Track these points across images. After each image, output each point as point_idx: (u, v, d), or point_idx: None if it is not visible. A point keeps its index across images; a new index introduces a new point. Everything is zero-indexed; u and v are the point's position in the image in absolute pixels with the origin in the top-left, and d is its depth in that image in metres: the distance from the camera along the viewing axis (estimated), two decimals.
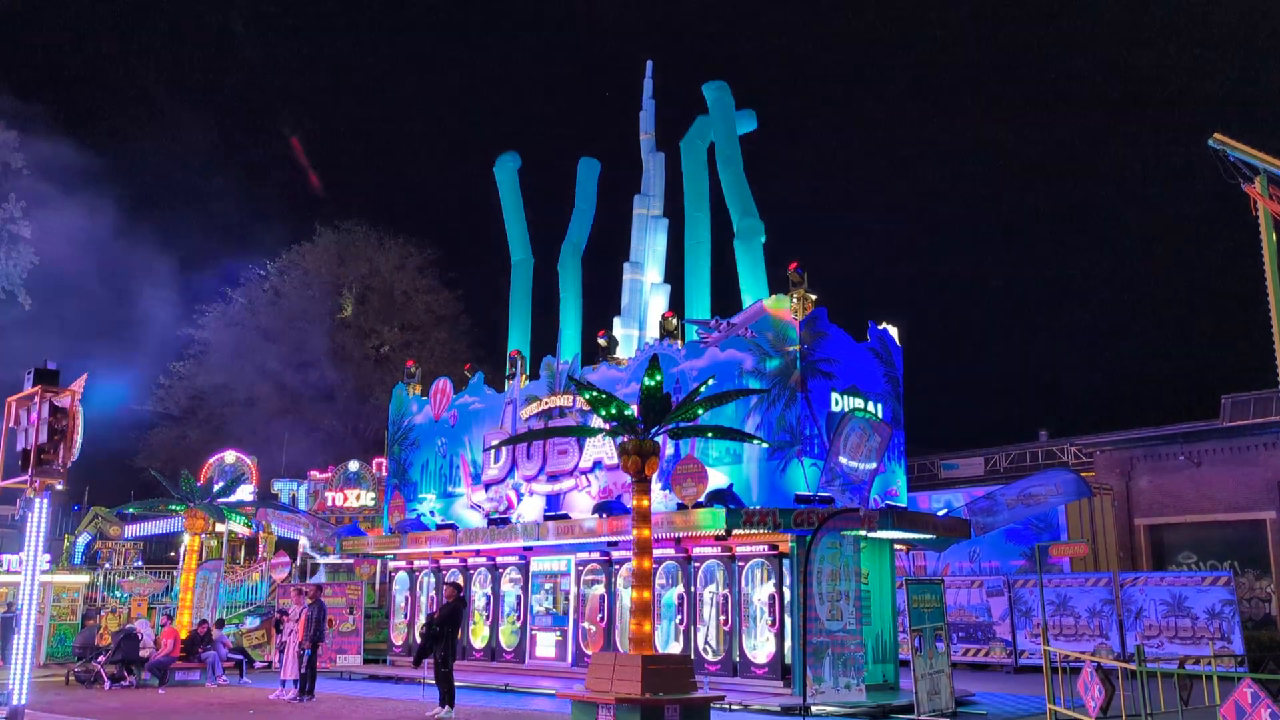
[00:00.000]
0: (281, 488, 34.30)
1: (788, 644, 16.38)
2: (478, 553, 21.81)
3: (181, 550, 23.41)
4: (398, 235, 45.91)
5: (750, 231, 20.58)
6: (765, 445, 17.04)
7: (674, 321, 20.06)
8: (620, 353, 21.52)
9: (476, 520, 22.07)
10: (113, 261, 34.12)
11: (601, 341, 21.46)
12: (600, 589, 19.49)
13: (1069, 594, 22.84)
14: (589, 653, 18.44)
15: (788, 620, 16.45)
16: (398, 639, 23.29)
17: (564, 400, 21.10)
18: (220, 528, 28.49)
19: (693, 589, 17.93)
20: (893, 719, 14.86)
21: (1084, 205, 64.58)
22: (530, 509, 21.27)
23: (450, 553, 22.09)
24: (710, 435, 16.24)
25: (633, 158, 24.93)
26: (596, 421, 15.69)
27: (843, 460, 17.33)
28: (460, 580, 21.45)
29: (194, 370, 42.80)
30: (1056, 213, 65.32)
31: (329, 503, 31.62)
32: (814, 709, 14.77)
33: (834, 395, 17.82)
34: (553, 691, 16.79)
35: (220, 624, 21.90)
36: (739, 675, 16.85)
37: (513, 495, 21.75)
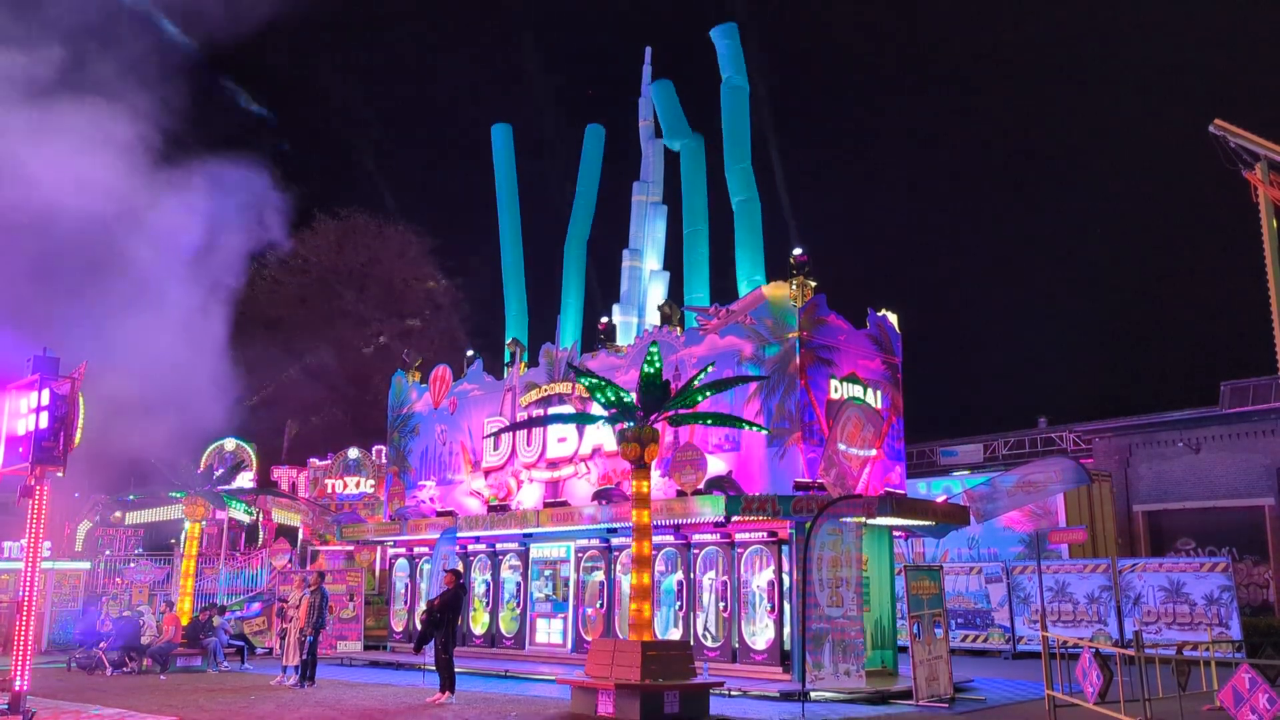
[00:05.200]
0: (281, 475, 34.33)
1: (787, 630, 16.42)
2: (477, 539, 21.85)
3: (181, 537, 23.43)
4: (397, 223, 45.86)
5: (748, 207, 20.62)
6: (764, 432, 17.06)
7: (672, 308, 20.07)
8: (619, 340, 21.52)
9: (476, 507, 22.11)
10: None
11: (601, 329, 21.47)
12: (600, 575, 19.53)
13: (1067, 580, 22.90)
14: (589, 639, 18.49)
15: (787, 606, 16.49)
16: (398, 625, 23.36)
17: (563, 387, 21.11)
18: (220, 515, 28.53)
19: (692, 575, 17.97)
20: (891, 704, 14.90)
21: (1084, 192, 64.50)
22: (530, 496, 21.31)
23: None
24: (709, 422, 16.27)
25: (632, 145, 24.90)
26: (596, 409, 15.72)
27: (842, 447, 17.36)
28: (460, 567, 21.49)
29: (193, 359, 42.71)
30: (1056, 200, 65.23)
31: (329, 490, 31.65)
32: (813, 695, 14.83)
33: (833, 382, 17.82)
34: (553, 677, 16.84)
35: (221, 610, 21.97)
36: (738, 661, 16.90)
37: (512, 482, 21.78)
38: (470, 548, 22.08)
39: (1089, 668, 13.09)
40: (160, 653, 19.76)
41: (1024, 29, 66.05)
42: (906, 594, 15.01)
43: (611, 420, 14.99)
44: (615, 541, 19.11)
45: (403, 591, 23.49)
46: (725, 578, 17.47)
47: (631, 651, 13.28)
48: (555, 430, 20.98)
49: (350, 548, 27.94)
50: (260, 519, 32.40)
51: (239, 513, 30.88)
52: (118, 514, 32.94)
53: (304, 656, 17.04)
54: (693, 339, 19.10)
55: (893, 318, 19.52)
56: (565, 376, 21.13)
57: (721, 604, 17.45)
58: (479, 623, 21.69)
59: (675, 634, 17.74)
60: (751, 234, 20.56)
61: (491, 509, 21.29)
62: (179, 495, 22.59)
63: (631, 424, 14.33)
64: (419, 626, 16.69)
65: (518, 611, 21.05)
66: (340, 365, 42.48)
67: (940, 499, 21.04)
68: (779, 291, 17.97)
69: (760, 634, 16.89)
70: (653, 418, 14.44)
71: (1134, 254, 60.59)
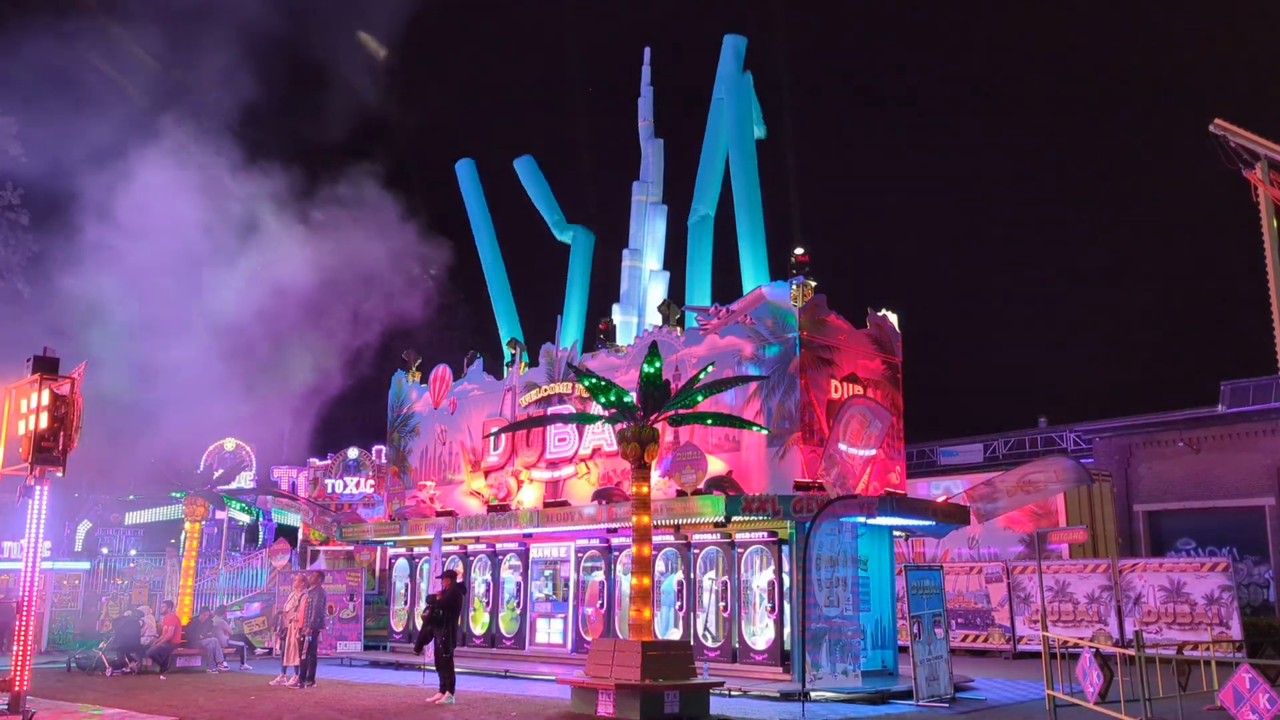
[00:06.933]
0: (281, 475, 34.31)
1: (787, 630, 16.41)
2: (477, 539, 21.85)
3: (181, 537, 23.44)
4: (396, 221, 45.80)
5: (753, 221, 20.59)
6: (764, 432, 17.05)
7: (673, 308, 20.06)
8: (619, 340, 21.52)
9: (476, 507, 22.10)
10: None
11: (601, 328, 21.47)
12: (600, 575, 19.53)
13: (1068, 580, 22.89)
14: (589, 639, 18.49)
15: (787, 607, 16.48)
16: (398, 625, 23.35)
17: (563, 387, 21.11)
18: (220, 515, 28.53)
19: (692, 575, 17.96)
20: (892, 704, 14.90)
21: (1084, 192, 64.51)
22: (530, 496, 21.30)
23: (450, 539, 22.11)
24: (709, 422, 16.27)
25: (631, 144, 24.88)
26: (596, 409, 15.71)
27: (843, 447, 17.34)
28: (459, 569, 21.49)
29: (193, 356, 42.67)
30: (1056, 198, 65.24)
31: (329, 490, 31.63)
32: (813, 695, 14.82)
33: (833, 382, 17.82)
34: (553, 677, 16.84)
35: (221, 610, 21.97)
36: (738, 661, 16.90)
37: (512, 482, 21.77)
38: (470, 548, 22.07)
39: (1089, 668, 13.08)
40: (160, 653, 19.75)
41: (1022, 29, 66.08)
42: (907, 594, 15.00)
43: (611, 420, 14.99)
44: (615, 541, 19.10)
45: (403, 591, 23.48)
46: (725, 578, 17.46)
47: (632, 651, 13.27)
48: (555, 430, 20.98)
49: (350, 548, 27.91)
50: (260, 519, 32.39)
51: (239, 513, 30.87)
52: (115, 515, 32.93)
53: (304, 656, 17.03)
54: (693, 339, 19.10)
55: (893, 318, 19.51)
56: (565, 376, 21.12)
57: (721, 604, 17.44)
58: (479, 623, 21.68)
59: (675, 634, 17.73)
60: (755, 239, 20.54)
61: (491, 509, 21.28)
62: (179, 495, 22.59)
63: (631, 424, 14.32)
64: (419, 626, 16.70)
65: (518, 611, 21.05)
66: (340, 364, 42.40)
67: (940, 499, 21.04)
68: (779, 291, 17.98)
69: (760, 634, 16.89)
70: (653, 418, 14.43)
71: (1134, 254, 60.63)
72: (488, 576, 21.78)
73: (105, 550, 31.12)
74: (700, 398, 14.93)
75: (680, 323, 19.75)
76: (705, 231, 22.14)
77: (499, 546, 21.58)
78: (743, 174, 21.11)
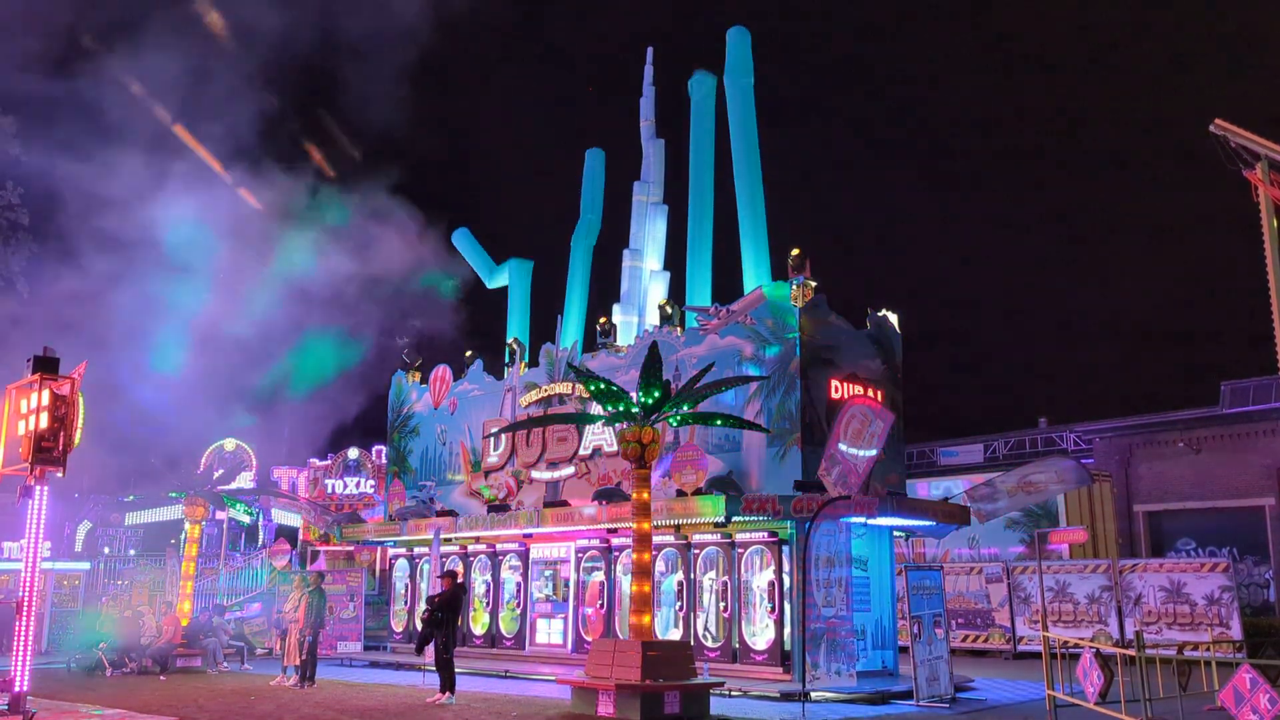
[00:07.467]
0: (281, 475, 34.33)
1: (787, 630, 16.41)
2: (477, 539, 21.83)
3: (181, 538, 23.44)
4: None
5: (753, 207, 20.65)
6: (765, 432, 17.05)
7: (673, 308, 20.05)
8: (619, 340, 21.52)
9: (476, 507, 22.09)
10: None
11: (600, 328, 21.46)
12: (600, 575, 19.52)
13: (1068, 580, 22.89)
14: (589, 639, 18.48)
15: (787, 607, 16.48)
16: (398, 626, 23.34)
17: (564, 388, 21.10)
18: (220, 515, 28.54)
19: (692, 576, 17.95)
20: (892, 704, 14.90)
21: (1086, 192, 64.50)
22: (530, 496, 21.30)
23: (450, 539, 22.09)
24: (709, 422, 16.26)
25: (633, 145, 24.89)
26: (596, 409, 15.71)
27: (843, 447, 17.33)
28: (459, 569, 21.49)
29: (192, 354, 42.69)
30: (1057, 200, 65.25)
31: (329, 490, 31.65)
32: (813, 695, 14.81)
33: (833, 382, 17.81)
34: (553, 678, 16.83)
35: (220, 611, 21.97)
36: (739, 661, 16.89)
37: (512, 482, 21.77)
38: (470, 548, 22.06)
39: (1090, 668, 13.07)
40: (160, 653, 19.75)
41: (1022, 29, 66.08)
42: (907, 594, 14.99)
43: (611, 420, 14.98)
44: (615, 541, 19.10)
45: (403, 591, 23.47)
46: (725, 578, 17.45)
47: (632, 652, 13.26)
48: (555, 430, 20.97)
49: (350, 548, 27.91)
50: (260, 519, 32.41)
51: (239, 513, 30.88)
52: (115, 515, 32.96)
53: (304, 657, 17.03)
54: (693, 339, 19.09)
55: (893, 318, 19.49)
56: (565, 376, 21.12)
57: (722, 604, 17.43)
58: (479, 623, 21.67)
59: (675, 634, 17.72)
60: (758, 235, 20.55)
61: (491, 509, 21.27)
62: (179, 495, 22.60)
63: (631, 424, 14.32)
64: (419, 627, 16.69)
65: (518, 612, 21.04)
66: (339, 363, 42.43)
67: (940, 499, 21.01)
68: (779, 291, 17.96)
69: (760, 634, 16.88)
70: (653, 418, 14.43)
71: (1134, 254, 60.61)
72: (488, 577, 21.77)
73: (107, 550, 31.12)
74: (700, 398, 14.92)
75: (680, 323, 19.73)
76: (707, 104, 22.40)
77: (499, 547, 21.57)
78: (745, 172, 21.11)
